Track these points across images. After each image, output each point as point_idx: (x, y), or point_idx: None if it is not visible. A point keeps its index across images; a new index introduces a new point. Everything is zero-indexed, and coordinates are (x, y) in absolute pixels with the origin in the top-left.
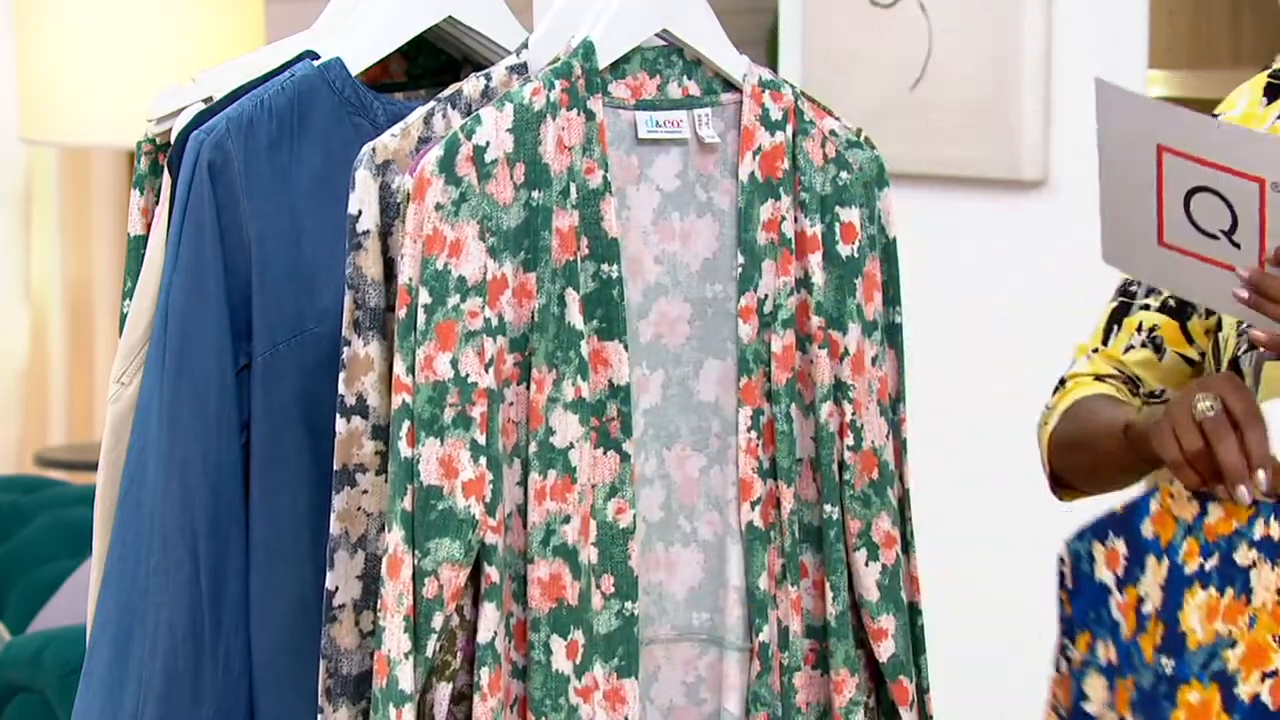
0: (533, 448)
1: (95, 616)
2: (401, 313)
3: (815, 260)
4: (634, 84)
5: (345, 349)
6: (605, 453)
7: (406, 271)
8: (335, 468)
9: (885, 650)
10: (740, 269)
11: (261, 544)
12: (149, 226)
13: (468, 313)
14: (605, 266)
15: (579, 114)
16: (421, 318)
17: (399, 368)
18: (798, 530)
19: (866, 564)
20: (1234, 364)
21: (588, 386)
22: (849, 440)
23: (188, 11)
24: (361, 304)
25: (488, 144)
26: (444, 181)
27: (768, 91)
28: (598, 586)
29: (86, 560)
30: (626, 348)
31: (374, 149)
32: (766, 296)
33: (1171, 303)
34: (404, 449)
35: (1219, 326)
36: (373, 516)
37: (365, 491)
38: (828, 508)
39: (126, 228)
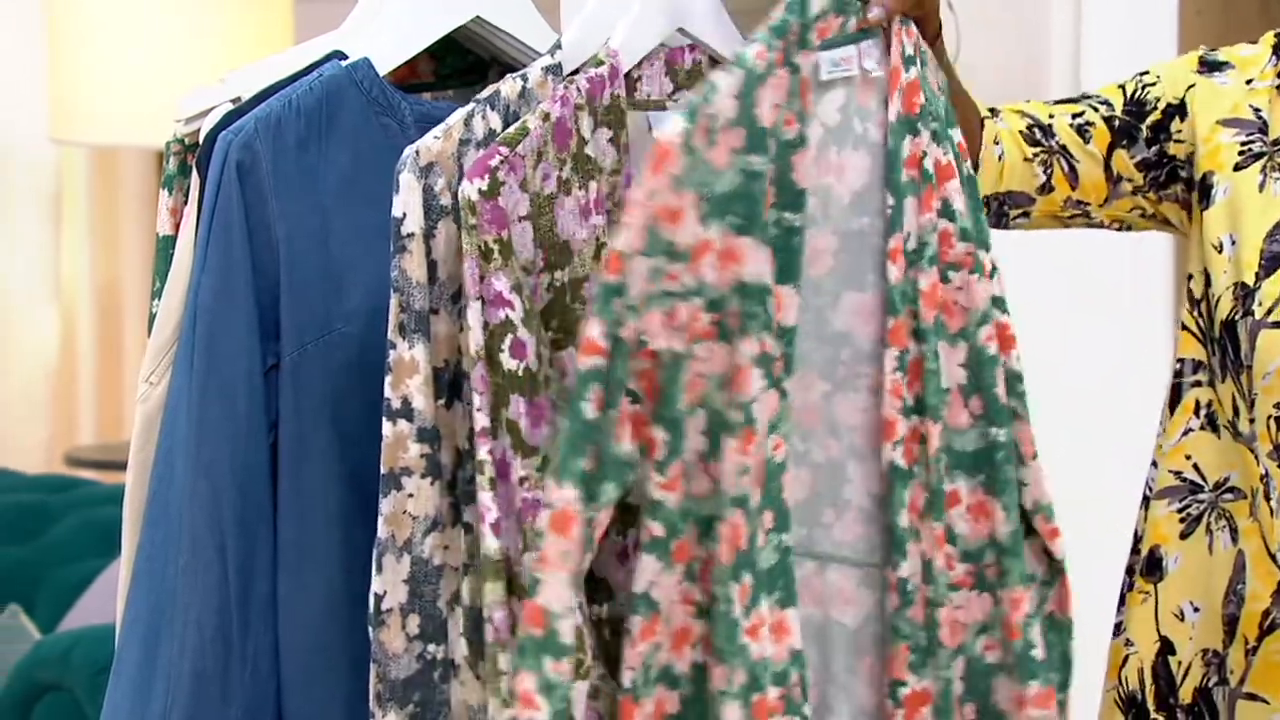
0: (724, 400)
1: (124, 616)
2: (613, 279)
3: (953, 186)
4: (823, 26)
5: (390, 352)
6: (770, 390)
7: (629, 239)
8: (382, 471)
9: (1060, 547)
10: (890, 209)
11: (289, 544)
12: (178, 226)
13: (667, 275)
14: (789, 215)
15: (787, 70)
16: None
17: (595, 330)
18: (948, 461)
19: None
20: (1228, 326)
21: (771, 338)
22: (1016, 350)
23: (216, 12)
24: (406, 307)
25: (718, 112)
26: (681, 151)
27: (903, 27)
28: (760, 524)
29: (116, 560)
30: (798, 291)
31: (417, 151)
32: (910, 234)
33: (1116, 124)
34: (590, 411)
35: (1208, 283)
36: (418, 520)
37: (411, 495)
38: (994, 430)
39: (155, 228)
